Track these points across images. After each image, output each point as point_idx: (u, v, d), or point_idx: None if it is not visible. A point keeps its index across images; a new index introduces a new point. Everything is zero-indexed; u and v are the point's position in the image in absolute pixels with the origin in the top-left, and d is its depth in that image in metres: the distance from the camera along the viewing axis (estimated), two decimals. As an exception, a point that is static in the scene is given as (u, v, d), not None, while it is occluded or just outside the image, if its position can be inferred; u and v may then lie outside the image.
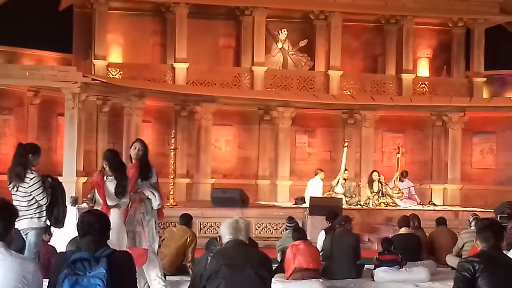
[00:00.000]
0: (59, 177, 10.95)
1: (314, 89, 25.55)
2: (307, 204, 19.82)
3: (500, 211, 16.16)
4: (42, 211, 9.64)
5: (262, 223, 18.91)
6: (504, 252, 6.19)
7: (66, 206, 10.06)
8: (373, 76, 26.50)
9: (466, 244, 13.36)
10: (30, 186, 9.60)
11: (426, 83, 26.51)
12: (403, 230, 14.28)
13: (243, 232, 6.27)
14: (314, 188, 21.69)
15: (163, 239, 13.23)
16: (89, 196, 9.83)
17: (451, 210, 21.49)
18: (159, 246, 12.52)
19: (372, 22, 26.90)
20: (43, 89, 21.44)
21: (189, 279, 7.99)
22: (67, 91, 20.25)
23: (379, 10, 26.05)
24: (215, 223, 17.91)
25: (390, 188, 21.71)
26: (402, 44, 26.05)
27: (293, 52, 26.24)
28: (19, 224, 9.35)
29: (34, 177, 9.63)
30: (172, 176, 20.15)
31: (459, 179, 25.09)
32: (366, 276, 12.63)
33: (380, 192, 21.28)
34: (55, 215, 9.80)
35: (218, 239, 6.48)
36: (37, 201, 9.59)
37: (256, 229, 18.62)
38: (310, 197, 19.92)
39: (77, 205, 14.69)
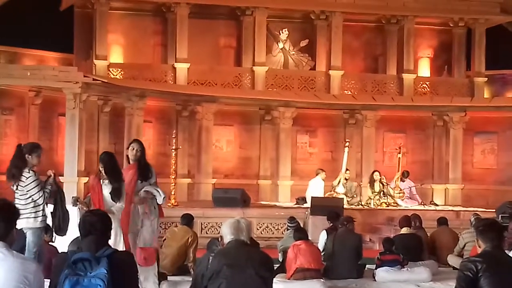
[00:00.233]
0: (60, 177, 10.97)
1: (315, 89, 25.55)
2: (308, 204, 19.81)
3: (501, 211, 16.19)
4: (39, 210, 9.62)
5: (264, 223, 18.91)
6: (506, 251, 6.18)
7: (67, 212, 10.00)
8: (374, 76, 26.49)
9: (467, 244, 13.36)
10: (26, 185, 9.63)
11: (427, 83, 26.50)
12: (404, 230, 14.27)
13: (244, 232, 6.26)
14: (315, 188, 21.69)
15: (165, 239, 13.24)
16: (85, 200, 9.75)
17: (452, 210, 21.50)
18: (160, 246, 12.54)
19: (373, 22, 26.90)
20: (44, 89, 21.44)
21: (191, 279, 7.99)
22: (68, 91, 20.24)
23: (380, 10, 26.04)
24: (217, 223, 17.90)
25: (392, 188, 21.70)
26: (403, 44, 26.04)
27: (294, 52, 26.24)
28: (19, 224, 9.33)
29: (30, 176, 9.64)
30: (173, 176, 20.14)
31: (461, 179, 25.08)
32: (368, 276, 12.63)
33: (382, 192, 21.29)
34: (56, 223, 9.80)
35: (219, 239, 6.48)
36: (33, 200, 9.60)
37: (258, 229, 18.61)
38: (312, 197, 19.91)
39: (78, 205, 14.66)
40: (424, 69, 27.44)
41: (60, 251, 10.74)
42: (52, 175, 9.88)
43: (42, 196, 9.61)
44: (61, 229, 9.88)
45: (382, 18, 26.52)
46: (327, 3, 25.66)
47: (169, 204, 18.97)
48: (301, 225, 15.33)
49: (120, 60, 25.03)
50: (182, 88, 24.18)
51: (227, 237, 6.26)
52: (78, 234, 5.53)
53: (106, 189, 9.50)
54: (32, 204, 9.60)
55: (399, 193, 21.78)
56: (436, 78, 27.04)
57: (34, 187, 9.61)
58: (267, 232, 18.82)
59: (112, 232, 5.61)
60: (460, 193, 25.07)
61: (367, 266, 13.11)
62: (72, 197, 9.82)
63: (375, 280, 12.37)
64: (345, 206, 19.41)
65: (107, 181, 9.54)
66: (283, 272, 11.88)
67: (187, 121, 24.49)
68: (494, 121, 25.39)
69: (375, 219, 20.22)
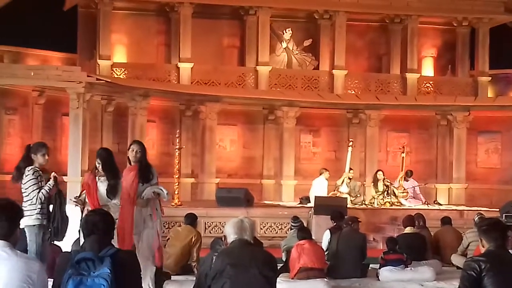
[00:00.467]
0: (64, 177, 10.97)
1: (319, 89, 25.55)
2: (312, 204, 19.80)
3: (505, 210, 16.19)
4: (34, 209, 9.60)
5: (267, 223, 18.90)
6: (510, 251, 6.17)
7: (67, 217, 9.93)
8: (377, 76, 26.50)
9: (471, 243, 13.34)
10: (25, 184, 9.69)
11: (431, 82, 26.50)
12: (408, 230, 14.26)
13: (248, 232, 6.25)
14: (319, 187, 21.67)
15: (168, 238, 13.24)
16: (80, 198, 9.65)
17: (456, 210, 21.48)
18: (164, 246, 12.54)
19: (376, 22, 26.89)
20: (48, 89, 21.45)
21: (194, 278, 8.00)
22: (71, 91, 20.25)
23: (384, 9, 26.05)
24: (220, 222, 17.91)
25: (395, 188, 21.69)
26: (407, 44, 26.05)
27: (297, 52, 26.24)
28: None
29: (28, 175, 9.67)
30: (177, 176, 20.13)
31: (464, 179, 25.07)
32: (371, 276, 12.63)
33: (386, 191, 21.29)
34: (53, 226, 9.75)
35: (223, 239, 6.48)
36: (30, 199, 9.61)
37: (261, 228, 18.61)
38: (315, 196, 19.90)
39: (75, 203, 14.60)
40: (428, 69, 27.43)
41: (63, 251, 10.75)
42: (52, 177, 9.79)
43: (35, 196, 9.60)
44: (59, 233, 9.76)
45: (385, 17, 26.52)
46: (331, 3, 25.67)
47: (173, 204, 18.99)
48: (305, 224, 15.31)
49: (123, 60, 25.05)
50: (186, 87, 24.19)
51: (231, 237, 6.26)
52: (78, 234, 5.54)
53: (102, 186, 9.46)
54: (29, 203, 9.61)
55: (403, 192, 21.77)
56: (440, 77, 27.03)
57: (30, 186, 9.64)
58: (271, 231, 18.81)
59: None
60: (463, 193, 25.05)
61: (370, 265, 13.11)
62: (75, 196, 9.79)
63: (378, 280, 12.37)
64: (348, 206, 19.39)
65: (103, 177, 9.49)
66: (286, 272, 11.88)
67: (191, 120, 24.49)
68: (498, 121, 25.35)
69: (378, 219, 20.21)
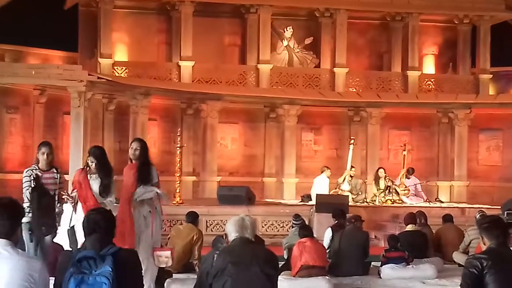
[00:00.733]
0: (65, 175, 10.94)
1: (320, 87, 25.55)
2: (313, 202, 19.80)
3: (507, 208, 16.20)
4: (26, 207, 9.57)
5: (269, 221, 18.88)
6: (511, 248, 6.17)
7: (52, 211, 9.73)
8: (378, 74, 26.50)
9: (473, 241, 13.32)
10: (23, 183, 9.74)
11: (432, 80, 26.51)
12: (409, 227, 14.24)
13: (249, 230, 6.24)
14: (321, 185, 21.67)
15: (170, 237, 13.24)
16: (72, 194, 9.47)
17: (457, 207, 21.44)
18: (165, 244, 12.53)
19: (377, 20, 26.89)
20: (49, 88, 21.47)
21: (196, 277, 8.00)
22: (73, 90, 20.26)
23: (385, 7, 26.05)
24: (222, 220, 17.90)
25: (397, 185, 21.69)
26: (408, 41, 26.06)
27: (298, 50, 26.24)
28: None
29: (24, 175, 9.71)
30: (178, 174, 20.13)
31: (466, 176, 25.09)
32: (373, 273, 12.61)
33: (387, 189, 21.29)
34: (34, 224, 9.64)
35: (224, 237, 6.47)
36: (25, 197, 9.62)
37: (263, 226, 18.60)
38: (317, 194, 19.89)
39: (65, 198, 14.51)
40: (429, 66, 27.43)
41: (65, 249, 10.74)
42: (34, 174, 9.70)
43: (24, 193, 9.61)
44: (38, 228, 9.47)
45: (386, 15, 26.52)
46: (332, 1, 25.67)
47: (174, 202, 18.99)
48: (306, 222, 15.31)
49: (124, 58, 25.06)
50: (187, 86, 24.20)
51: (232, 235, 6.25)
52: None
53: (95, 184, 9.37)
54: (25, 201, 9.62)
55: (404, 190, 21.76)
56: (441, 75, 27.04)
57: (23, 183, 9.67)
58: (272, 229, 18.80)
59: None
60: (465, 190, 25.08)
61: (372, 263, 13.09)
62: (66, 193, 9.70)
63: (380, 277, 12.35)
64: (350, 204, 19.38)
65: (94, 175, 9.39)
66: (288, 270, 11.87)
67: (192, 119, 24.50)
68: (499, 118, 25.35)
69: (380, 216, 20.20)
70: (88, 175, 9.43)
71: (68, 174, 19.24)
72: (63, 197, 9.57)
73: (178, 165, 20.29)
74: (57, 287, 5.33)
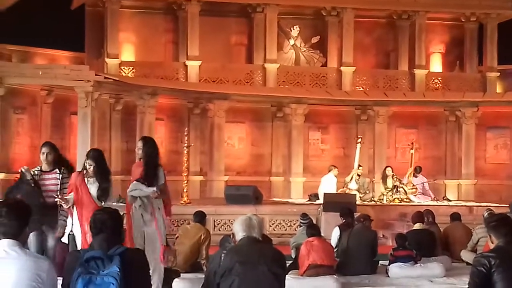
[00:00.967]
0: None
1: (327, 86, 25.54)
2: (321, 201, 19.79)
3: (515, 206, 16.09)
4: None
5: (276, 220, 18.87)
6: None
7: (47, 207, 9.62)
8: (385, 72, 26.47)
9: (481, 239, 13.31)
10: None
11: (439, 78, 26.46)
12: (417, 226, 14.24)
13: (256, 229, 6.23)
14: (328, 184, 21.66)
15: (177, 236, 13.25)
16: (67, 197, 9.36)
17: (465, 206, 21.40)
18: (173, 244, 12.54)
19: (384, 18, 26.85)
20: (56, 88, 21.49)
21: (203, 276, 8.00)
22: (80, 90, 20.29)
23: (391, 5, 26.02)
24: (229, 220, 17.89)
25: (404, 184, 21.67)
26: (415, 40, 26.02)
27: (305, 49, 26.22)
28: None
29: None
30: (185, 174, 20.13)
31: (473, 174, 25.04)
32: (381, 272, 12.61)
33: (395, 188, 21.27)
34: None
35: (231, 236, 6.47)
36: None
37: (270, 226, 18.59)
38: (324, 193, 19.87)
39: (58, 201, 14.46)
40: (436, 65, 27.38)
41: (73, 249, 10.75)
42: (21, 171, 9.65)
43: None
44: (36, 226, 9.44)
45: (393, 13, 26.48)
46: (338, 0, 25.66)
47: (182, 202, 19.01)
48: (314, 221, 15.30)
49: (131, 58, 25.09)
50: (194, 85, 24.21)
51: (239, 234, 6.24)
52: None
53: (93, 188, 9.29)
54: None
55: (412, 188, 21.74)
56: (448, 73, 26.99)
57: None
58: (280, 228, 18.79)
59: None
60: (473, 189, 25.03)
61: (380, 262, 13.09)
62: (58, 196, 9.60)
63: (388, 276, 12.35)
64: (357, 202, 19.37)
65: (92, 179, 9.31)
66: (295, 269, 11.87)
67: (199, 118, 24.51)
68: (507, 116, 25.30)
69: (387, 215, 20.18)
70: (85, 179, 9.35)
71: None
72: (55, 200, 9.36)
73: (186, 164, 20.30)
74: (65, 287, 5.33)
